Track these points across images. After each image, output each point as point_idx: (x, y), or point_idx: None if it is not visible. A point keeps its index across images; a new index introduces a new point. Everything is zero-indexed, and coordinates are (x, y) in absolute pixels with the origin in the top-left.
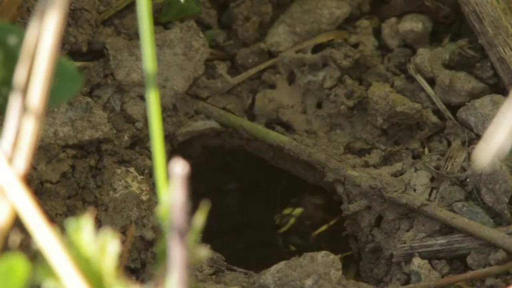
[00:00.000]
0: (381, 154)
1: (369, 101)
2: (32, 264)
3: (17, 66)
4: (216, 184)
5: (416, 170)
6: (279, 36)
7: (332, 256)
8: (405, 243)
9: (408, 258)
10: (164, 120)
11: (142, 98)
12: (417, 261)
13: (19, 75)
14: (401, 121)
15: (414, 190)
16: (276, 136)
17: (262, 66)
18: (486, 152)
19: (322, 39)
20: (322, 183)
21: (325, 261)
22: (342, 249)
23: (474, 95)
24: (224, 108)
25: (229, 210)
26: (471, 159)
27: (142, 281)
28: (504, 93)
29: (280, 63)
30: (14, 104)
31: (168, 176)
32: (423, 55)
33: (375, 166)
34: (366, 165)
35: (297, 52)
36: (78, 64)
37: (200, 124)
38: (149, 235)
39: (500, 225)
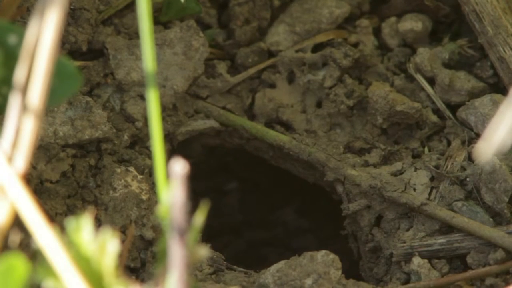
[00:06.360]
0: (381, 154)
1: (369, 100)
2: (32, 264)
3: (17, 66)
4: (216, 183)
5: (416, 169)
6: (279, 35)
7: (332, 255)
8: (405, 242)
9: (408, 258)
10: (164, 119)
11: (142, 97)
12: (417, 260)
13: (19, 74)
14: (401, 121)
15: (414, 189)
16: (276, 136)
17: (262, 66)
18: (486, 150)
19: (322, 38)
20: (322, 182)
21: (324, 260)
22: None
23: (474, 95)
24: (224, 108)
25: (229, 210)
26: (471, 158)
27: (142, 281)
28: (504, 93)
29: (280, 63)
30: (14, 104)
31: (168, 175)
32: (423, 54)
33: (375, 166)
34: (366, 164)
35: (297, 51)
36: (78, 63)
37: (200, 124)
38: (149, 234)
39: (499, 225)
